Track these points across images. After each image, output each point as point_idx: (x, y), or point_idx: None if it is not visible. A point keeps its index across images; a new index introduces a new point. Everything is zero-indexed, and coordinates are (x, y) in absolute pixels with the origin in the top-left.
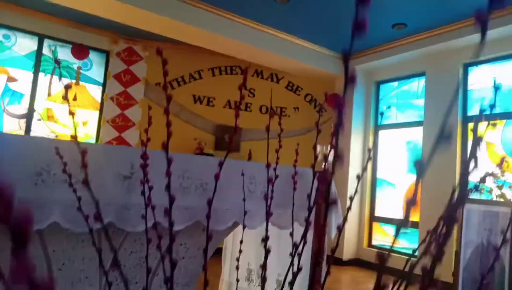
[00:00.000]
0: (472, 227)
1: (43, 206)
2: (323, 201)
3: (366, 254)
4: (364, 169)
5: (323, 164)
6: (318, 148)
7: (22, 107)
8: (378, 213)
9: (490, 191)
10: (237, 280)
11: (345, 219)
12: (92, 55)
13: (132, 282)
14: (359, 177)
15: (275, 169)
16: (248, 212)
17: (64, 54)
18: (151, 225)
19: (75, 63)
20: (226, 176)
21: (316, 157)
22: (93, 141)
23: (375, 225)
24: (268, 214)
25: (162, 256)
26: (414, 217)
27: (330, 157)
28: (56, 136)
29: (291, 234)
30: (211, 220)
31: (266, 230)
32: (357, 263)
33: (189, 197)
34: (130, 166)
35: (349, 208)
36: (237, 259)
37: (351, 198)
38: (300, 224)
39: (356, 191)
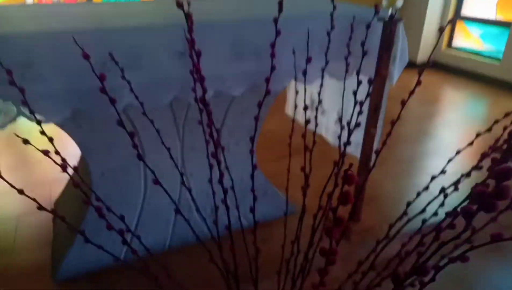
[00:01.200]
0: None
1: (115, 90)
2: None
3: (444, 56)
4: None
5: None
6: None
7: None
8: (465, 12)
9: None
10: (292, 120)
11: (442, 30)
12: None
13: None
14: None
15: (332, 17)
16: (304, 69)
17: None
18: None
19: None
20: (281, 37)
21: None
22: None
23: (459, 24)
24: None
25: (212, 124)
26: (507, 15)
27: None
28: None
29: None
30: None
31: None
32: (432, 65)
33: (245, 62)
34: (183, 42)
35: None
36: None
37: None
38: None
39: None
